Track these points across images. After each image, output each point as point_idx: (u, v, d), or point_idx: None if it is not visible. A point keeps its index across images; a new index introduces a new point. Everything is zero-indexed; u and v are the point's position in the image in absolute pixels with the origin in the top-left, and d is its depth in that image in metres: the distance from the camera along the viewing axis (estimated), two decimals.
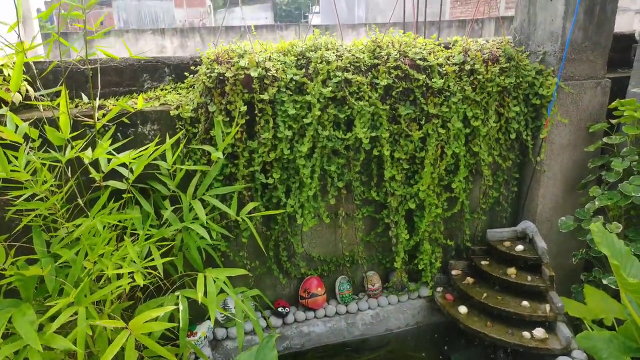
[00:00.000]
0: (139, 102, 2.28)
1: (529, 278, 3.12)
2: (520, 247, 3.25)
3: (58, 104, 2.17)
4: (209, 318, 2.85)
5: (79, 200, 2.25)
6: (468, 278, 3.34)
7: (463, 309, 3.19)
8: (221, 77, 2.66)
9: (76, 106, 2.71)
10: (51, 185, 2.21)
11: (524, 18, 3.31)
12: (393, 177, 3.09)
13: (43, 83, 2.74)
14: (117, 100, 2.83)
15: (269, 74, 2.68)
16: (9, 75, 2.54)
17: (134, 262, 2.01)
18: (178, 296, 2.27)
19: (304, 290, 3.24)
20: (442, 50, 3.13)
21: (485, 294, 3.18)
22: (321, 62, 2.79)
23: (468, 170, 3.27)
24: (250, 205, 2.60)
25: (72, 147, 2.23)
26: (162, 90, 2.94)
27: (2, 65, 2.55)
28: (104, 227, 2.09)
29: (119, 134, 2.65)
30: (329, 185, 3.03)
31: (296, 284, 3.31)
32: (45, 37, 15.56)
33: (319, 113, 2.74)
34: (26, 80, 2.67)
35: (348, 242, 3.30)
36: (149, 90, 2.94)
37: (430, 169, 3.09)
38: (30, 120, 2.41)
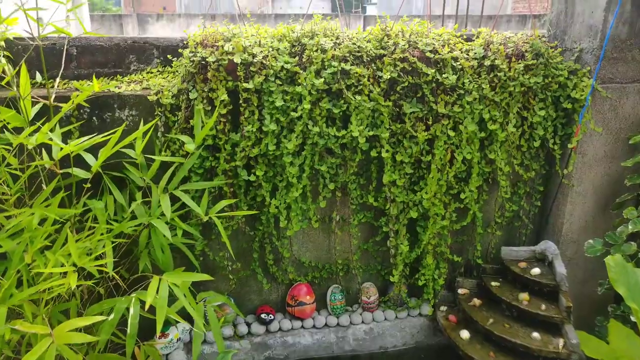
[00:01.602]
0: (94, 86, 2.08)
1: (543, 307, 2.73)
2: (536, 271, 2.86)
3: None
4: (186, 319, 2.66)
5: (45, 189, 2.10)
6: (475, 299, 2.99)
7: (465, 334, 2.85)
8: (203, 62, 2.43)
9: (52, 87, 2.55)
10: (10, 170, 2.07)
11: (560, 9, 2.88)
12: (394, 182, 2.77)
13: (28, 61, 2.61)
14: (101, 81, 2.66)
15: (256, 61, 2.43)
16: None
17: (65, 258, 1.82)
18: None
19: (291, 297, 3.00)
20: (461, 43, 2.77)
21: (491, 320, 2.82)
22: (316, 50, 2.51)
23: (482, 180, 2.90)
24: (223, 203, 2.36)
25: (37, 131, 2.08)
26: (148, 73, 2.75)
27: None
28: (52, 220, 1.92)
29: (94, 118, 2.49)
30: (321, 186, 2.76)
31: (285, 289, 3.07)
32: (101, 19, 16.01)
33: (309, 106, 2.47)
34: (8, 57, 2.55)
35: (342, 249, 3.02)
36: (135, 72, 2.77)
37: (437, 175, 2.76)
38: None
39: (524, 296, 2.81)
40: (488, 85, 2.66)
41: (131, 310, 2.02)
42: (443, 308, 3.12)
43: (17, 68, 2.20)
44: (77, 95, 2.16)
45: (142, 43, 2.74)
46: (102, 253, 2.09)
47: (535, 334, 2.67)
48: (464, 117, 2.68)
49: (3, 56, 2.51)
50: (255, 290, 3.03)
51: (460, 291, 3.10)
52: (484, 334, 2.82)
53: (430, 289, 3.03)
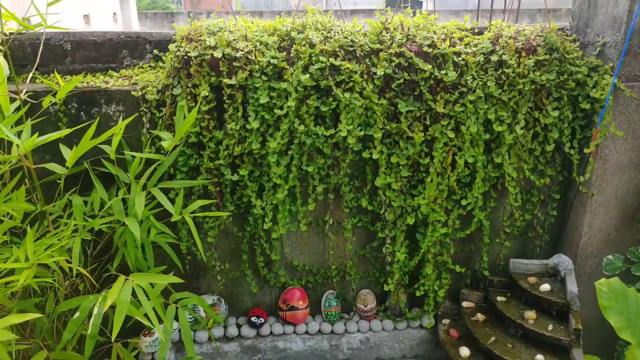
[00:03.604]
0: (76, 80, 2.05)
1: (550, 327, 2.48)
2: (546, 287, 2.60)
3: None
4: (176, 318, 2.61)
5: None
6: (479, 314, 2.77)
7: (465, 352, 2.65)
8: (187, 57, 2.36)
9: (23, 81, 2.54)
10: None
11: None
12: (389, 186, 2.60)
13: (22, 56, 2.65)
14: (93, 76, 2.66)
15: (240, 56, 2.33)
16: None
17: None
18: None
19: (283, 301, 2.89)
20: (467, 37, 2.56)
21: (493, 338, 2.60)
22: (304, 45, 2.38)
23: (489, 185, 2.67)
24: (198, 203, 2.28)
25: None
26: (139, 68, 2.72)
27: None
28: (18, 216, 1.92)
29: (82, 113, 2.48)
30: (310, 188, 2.63)
31: (278, 292, 2.97)
32: (154, 16, 16.50)
33: (294, 103, 2.34)
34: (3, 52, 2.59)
35: (336, 254, 2.88)
36: (128, 67, 2.74)
37: (437, 179, 2.56)
38: None
39: (531, 314, 2.56)
40: (494, 83, 2.43)
41: (95, 310, 1.98)
42: (445, 321, 2.91)
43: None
44: (57, 91, 2.15)
45: (135, 38, 2.71)
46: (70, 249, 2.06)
47: (540, 357, 2.43)
48: (467, 117, 2.47)
49: None
50: (248, 292, 2.95)
51: (464, 304, 2.88)
52: (484, 353, 2.60)
53: (431, 300, 2.84)
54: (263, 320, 2.88)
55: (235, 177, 2.49)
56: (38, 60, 2.38)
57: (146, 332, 2.69)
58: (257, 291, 2.91)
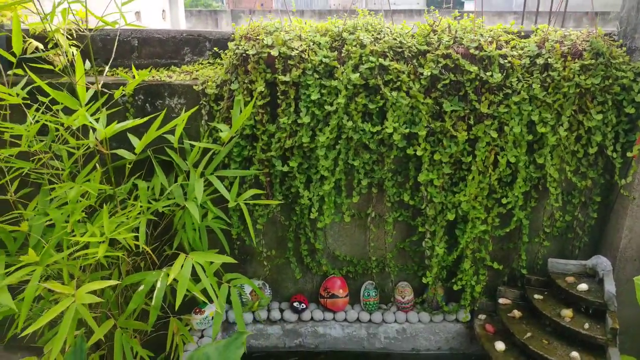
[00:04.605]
0: (143, 74, 2.25)
1: (587, 325, 2.54)
2: (584, 287, 2.65)
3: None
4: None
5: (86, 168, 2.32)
6: (515, 311, 2.84)
7: (500, 346, 2.72)
8: (245, 55, 2.53)
9: (99, 74, 2.77)
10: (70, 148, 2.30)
11: (632, 4, 2.63)
12: (431, 182, 2.71)
13: (94, 51, 2.88)
14: (157, 71, 2.87)
15: (294, 54, 2.48)
16: (58, 40, 2.70)
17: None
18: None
19: (325, 289, 3.04)
20: (514, 40, 2.63)
21: (529, 334, 2.67)
22: (355, 45, 2.51)
23: (530, 185, 2.74)
24: (251, 192, 2.45)
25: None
26: (200, 64, 2.91)
27: (54, 31, 2.70)
28: (93, 196, 2.13)
29: (147, 105, 2.69)
30: (355, 181, 2.76)
31: (319, 280, 3.12)
32: (198, 14, 16.96)
33: (344, 101, 2.48)
34: (75, 46, 2.82)
35: (377, 246, 3.00)
36: (189, 63, 2.94)
37: (479, 177, 2.65)
38: (64, 85, 2.53)
39: (567, 312, 2.62)
40: (539, 85, 2.50)
41: (158, 284, 2.17)
42: (481, 316, 2.99)
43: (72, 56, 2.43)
44: (130, 83, 2.35)
45: (196, 36, 2.91)
46: (136, 228, 2.26)
47: (575, 354, 2.48)
48: (510, 118, 2.55)
49: (72, 46, 2.79)
50: (291, 278, 3.11)
51: (501, 301, 2.95)
52: (520, 348, 2.68)
53: (468, 295, 2.92)
54: (305, 306, 3.03)
55: (285, 169, 2.65)
56: (113, 54, 2.58)
57: (197, 310, 2.88)
58: (300, 278, 3.06)
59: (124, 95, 2.64)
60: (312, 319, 3.05)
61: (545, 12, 4.26)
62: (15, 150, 2.00)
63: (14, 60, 2.05)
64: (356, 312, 3.07)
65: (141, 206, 2.34)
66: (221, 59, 2.91)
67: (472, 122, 2.58)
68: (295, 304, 3.02)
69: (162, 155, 2.61)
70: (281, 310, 3.07)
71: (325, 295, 3.03)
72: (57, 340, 1.76)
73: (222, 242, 2.65)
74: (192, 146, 2.58)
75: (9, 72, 2.26)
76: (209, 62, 2.92)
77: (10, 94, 2.04)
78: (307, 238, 2.93)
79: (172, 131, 2.40)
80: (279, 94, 2.55)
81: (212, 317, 2.91)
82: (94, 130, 2.35)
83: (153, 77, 2.72)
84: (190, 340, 2.52)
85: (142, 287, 2.22)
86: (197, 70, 2.82)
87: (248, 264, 3.06)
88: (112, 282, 1.84)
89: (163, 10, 11.90)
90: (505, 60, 2.52)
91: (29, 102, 2.15)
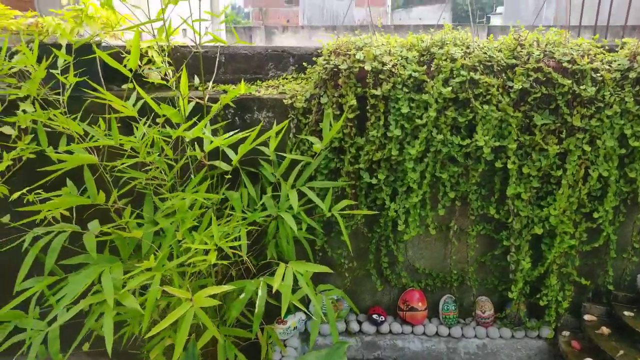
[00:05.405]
0: (241, 88, 2.34)
1: None
2: None
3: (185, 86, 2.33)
4: (301, 310, 2.82)
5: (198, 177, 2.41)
6: (603, 328, 2.78)
7: None
8: (335, 69, 2.59)
9: (205, 89, 2.89)
10: (168, 160, 2.40)
11: None
12: (518, 195, 2.69)
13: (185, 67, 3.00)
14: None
15: (385, 69, 2.53)
16: (152, 56, 2.83)
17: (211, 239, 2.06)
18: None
19: (403, 302, 3.03)
20: (602, 54, 2.62)
21: (622, 352, 2.61)
22: (445, 59, 2.54)
23: (619, 200, 2.70)
24: (344, 203, 2.49)
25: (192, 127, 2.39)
26: (284, 79, 2.99)
27: (148, 47, 2.83)
28: (199, 204, 2.20)
29: (237, 118, 2.77)
30: (441, 194, 2.77)
31: (397, 293, 3.12)
32: (233, 30, 17.37)
33: (434, 114, 2.51)
34: (168, 62, 2.95)
35: (458, 259, 2.99)
36: (272, 78, 3.03)
37: (568, 191, 2.62)
38: (161, 99, 2.64)
39: None
40: (632, 99, 2.48)
41: (259, 293, 2.22)
42: (565, 333, 2.93)
43: (179, 72, 2.54)
44: (225, 97, 2.44)
45: (280, 52, 2.99)
46: (237, 237, 2.32)
47: None
48: (602, 131, 2.53)
49: (165, 62, 2.91)
50: (369, 290, 3.12)
51: (586, 317, 2.89)
52: None
53: (553, 311, 2.88)
54: (383, 319, 3.03)
55: (374, 181, 2.68)
56: (209, 70, 2.69)
57: (279, 320, 2.92)
58: (381, 289, 3.07)
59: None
60: (390, 331, 3.05)
61: (616, 26, 4.22)
62: (133, 161, 2.10)
63: (129, 74, 2.15)
64: (435, 325, 3.06)
65: (239, 216, 2.40)
66: (304, 74, 2.99)
67: (563, 135, 2.56)
68: (374, 316, 3.02)
69: (248, 167, 2.68)
70: (359, 322, 3.08)
71: (404, 308, 3.03)
72: (178, 343, 1.81)
73: (307, 252, 2.70)
74: (281, 158, 2.65)
75: (123, 87, 2.37)
76: (292, 77, 3.00)
77: (124, 106, 2.15)
78: (389, 250, 2.95)
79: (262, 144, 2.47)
80: (368, 107, 2.60)
81: (294, 327, 2.94)
82: (196, 142, 2.45)
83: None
84: (282, 349, 2.56)
85: (243, 295, 2.27)
86: (282, 85, 2.89)
87: (327, 275, 3.08)
88: (227, 288, 1.89)
89: (206, 28, 12.27)
90: (597, 74, 2.51)
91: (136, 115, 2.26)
